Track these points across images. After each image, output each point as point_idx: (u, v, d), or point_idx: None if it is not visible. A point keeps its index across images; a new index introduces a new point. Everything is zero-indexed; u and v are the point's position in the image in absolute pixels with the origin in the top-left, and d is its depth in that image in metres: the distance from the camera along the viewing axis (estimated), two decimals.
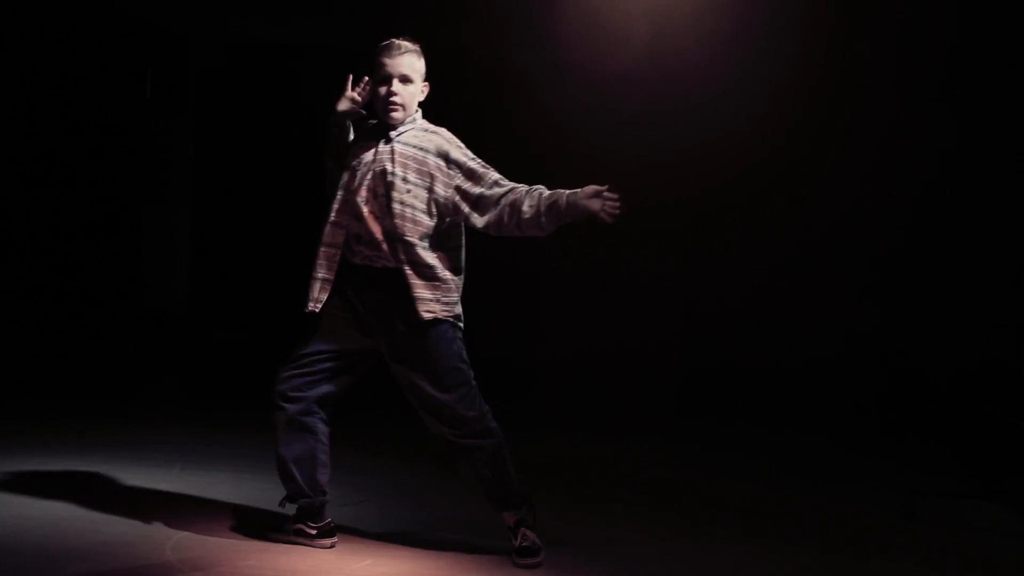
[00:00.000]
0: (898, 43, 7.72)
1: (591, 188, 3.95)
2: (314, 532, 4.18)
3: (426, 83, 4.13)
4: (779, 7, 7.64)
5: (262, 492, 4.93)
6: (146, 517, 4.41)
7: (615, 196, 3.94)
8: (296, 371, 4.07)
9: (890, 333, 7.80)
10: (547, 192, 3.99)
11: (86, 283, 8.08)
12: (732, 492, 5.68)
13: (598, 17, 7.66)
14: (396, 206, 3.98)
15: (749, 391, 7.82)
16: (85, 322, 8.05)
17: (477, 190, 4.03)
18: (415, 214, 4.00)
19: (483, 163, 4.09)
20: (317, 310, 4.06)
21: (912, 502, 5.32)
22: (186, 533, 4.22)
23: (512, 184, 4.04)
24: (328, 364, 4.09)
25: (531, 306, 8.34)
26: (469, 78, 8.07)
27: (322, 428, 4.13)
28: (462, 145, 4.11)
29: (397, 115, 4.06)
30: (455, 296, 4.10)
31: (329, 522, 4.21)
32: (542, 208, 3.95)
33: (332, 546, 4.18)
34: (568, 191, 3.96)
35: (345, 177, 4.07)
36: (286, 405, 4.06)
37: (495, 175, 4.06)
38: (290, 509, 4.24)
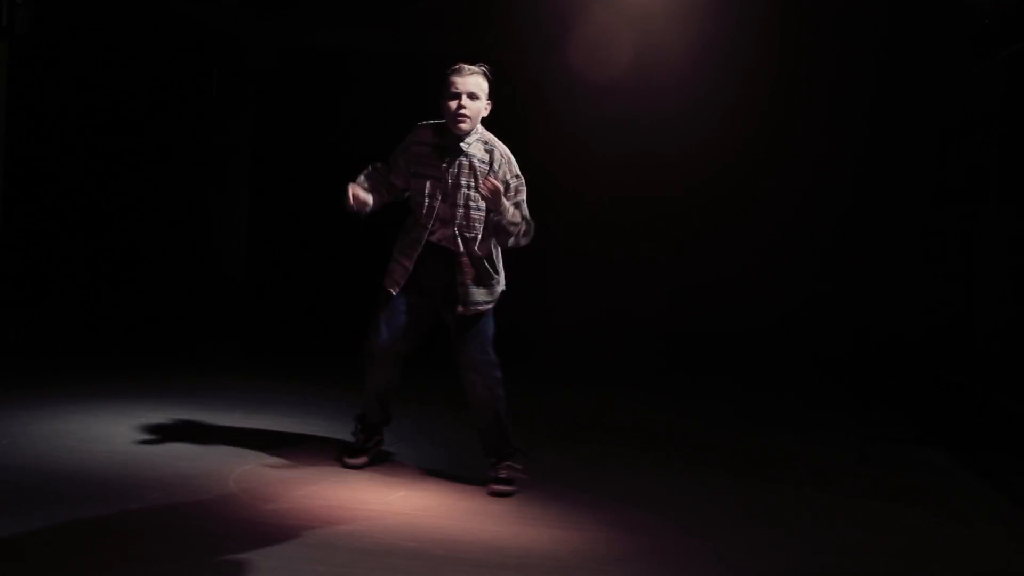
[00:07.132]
0: (834, 71, 7.99)
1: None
2: (355, 442, 4.42)
3: (489, 101, 4.17)
4: (740, 39, 7.82)
5: (312, 432, 4.97)
6: (213, 454, 4.45)
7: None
8: (384, 316, 4.20)
9: (836, 307, 8.01)
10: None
11: (162, 254, 8.10)
12: (707, 436, 5.70)
13: (596, 36, 7.71)
14: (473, 212, 4.11)
15: (723, 352, 7.87)
16: (162, 287, 8.08)
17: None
18: (481, 215, 4.13)
19: (520, 180, 4.18)
20: (395, 292, 4.19)
21: (865, 446, 5.38)
22: (247, 468, 4.26)
23: (522, 212, 4.14)
24: (405, 317, 4.22)
25: (538, 282, 8.32)
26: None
27: (399, 365, 4.32)
28: (512, 160, 4.19)
29: (464, 126, 4.12)
30: (501, 278, 4.23)
31: (368, 447, 4.42)
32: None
33: (354, 467, 4.35)
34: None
35: (428, 186, 4.14)
36: (378, 339, 4.20)
37: (521, 197, 4.16)
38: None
